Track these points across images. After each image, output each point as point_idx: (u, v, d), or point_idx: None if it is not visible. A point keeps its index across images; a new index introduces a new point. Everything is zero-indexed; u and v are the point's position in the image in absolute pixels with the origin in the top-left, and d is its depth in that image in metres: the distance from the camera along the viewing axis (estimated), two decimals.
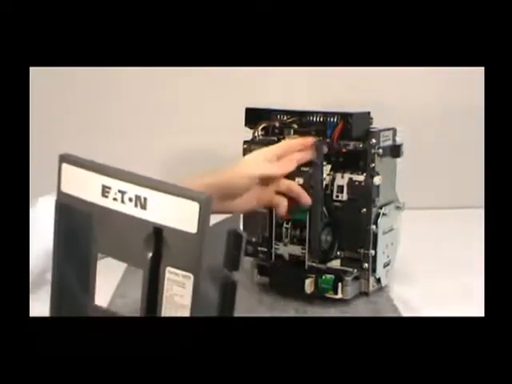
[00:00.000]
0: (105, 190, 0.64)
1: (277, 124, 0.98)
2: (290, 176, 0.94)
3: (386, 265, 0.99)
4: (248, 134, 0.99)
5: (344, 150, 0.96)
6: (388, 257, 0.99)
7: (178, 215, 0.61)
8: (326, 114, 0.95)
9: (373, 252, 0.96)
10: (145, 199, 0.62)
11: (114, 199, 0.64)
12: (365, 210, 0.95)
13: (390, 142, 0.98)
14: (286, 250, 0.99)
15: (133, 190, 0.63)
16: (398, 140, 0.99)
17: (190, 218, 0.61)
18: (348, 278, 0.95)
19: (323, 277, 0.95)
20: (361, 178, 0.96)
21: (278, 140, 0.97)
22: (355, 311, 0.94)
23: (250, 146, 0.98)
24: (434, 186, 1.41)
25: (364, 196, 0.95)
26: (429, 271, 1.07)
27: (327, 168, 0.96)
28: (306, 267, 0.97)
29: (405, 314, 0.93)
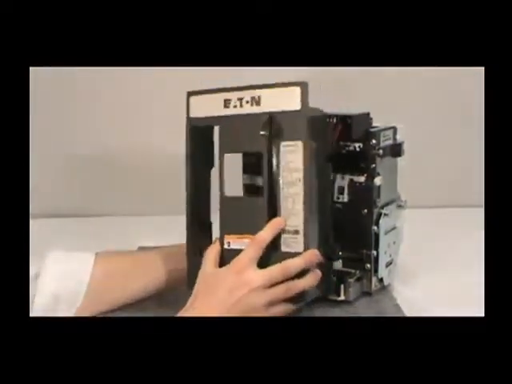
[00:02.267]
0: (226, 103, 0.86)
1: None
2: None
3: (388, 264, 0.99)
4: None
5: (344, 152, 0.95)
6: (390, 256, 0.99)
7: (285, 100, 0.83)
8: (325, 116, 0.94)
9: (375, 253, 0.96)
10: (259, 97, 0.84)
11: (234, 106, 0.85)
12: (366, 211, 0.95)
13: (390, 142, 0.97)
14: None
15: (248, 94, 0.85)
16: (399, 139, 0.99)
17: (295, 100, 0.82)
18: (350, 280, 0.95)
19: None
20: (361, 179, 0.95)
21: None
22: (358, 311, 0.94)
23: None
24: (435, 184, 1.41)
25: (365, 197, 0.95)
26: (430, 270, 1.07)
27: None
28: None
29: (408, 313, 0.93)
